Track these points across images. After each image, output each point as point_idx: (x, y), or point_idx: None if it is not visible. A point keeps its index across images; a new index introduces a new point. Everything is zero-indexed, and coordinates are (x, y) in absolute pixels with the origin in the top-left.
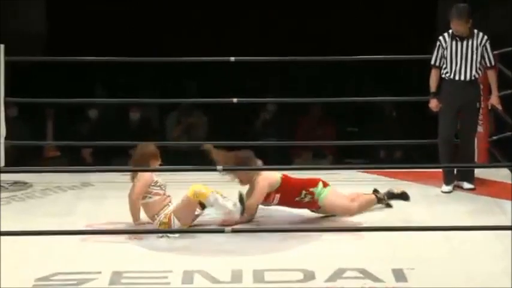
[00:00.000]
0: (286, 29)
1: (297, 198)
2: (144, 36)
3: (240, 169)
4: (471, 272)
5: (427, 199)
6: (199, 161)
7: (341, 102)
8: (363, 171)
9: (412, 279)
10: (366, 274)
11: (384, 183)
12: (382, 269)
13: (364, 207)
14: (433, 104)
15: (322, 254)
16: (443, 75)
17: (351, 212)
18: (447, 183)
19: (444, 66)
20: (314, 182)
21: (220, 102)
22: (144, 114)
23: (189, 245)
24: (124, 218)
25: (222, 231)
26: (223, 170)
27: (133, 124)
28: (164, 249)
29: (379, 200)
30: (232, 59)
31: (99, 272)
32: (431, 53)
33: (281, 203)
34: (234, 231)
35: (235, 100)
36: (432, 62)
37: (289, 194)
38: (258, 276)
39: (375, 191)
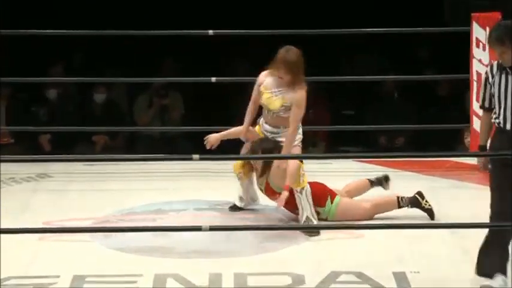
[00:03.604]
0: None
1: (297, 211)
2: (112, 7)
3: (218, 159)
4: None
5: (435, 192)
6: (173, 148)
7: (335, 81)
8: (360, 161)
9: (416, 284)
10: (363, 278)
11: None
12: (382, 272)
13: (381, 207)
14: (480, 162)
15: (314, 255)
16: (492, 120)
17: (368, 217)
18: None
19: (495, 109)
20: (323, 199)
21: (198, 82)
22: (111, 95)
23: (161, 245)
24: (87, 214)
25: (199, 229)
26: (200, 159)
27: (98, 107)
28: (133, 250)
29: (400, 206)
30: (211, 32)
31: (58, 276)
32: (441, 26)
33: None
34: (213, 229)
35: (213, 79)
36: (480, 103)
37: (293, 203)
38: (240, 281)
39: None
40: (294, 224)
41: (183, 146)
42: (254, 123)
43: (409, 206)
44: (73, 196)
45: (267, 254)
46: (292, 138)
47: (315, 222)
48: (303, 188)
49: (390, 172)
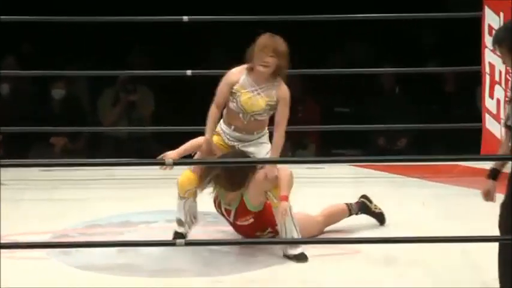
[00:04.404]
0: None
1: (258, 233)
2: None
3: (195, 163)
4: None
5: (441, 200)
6: (143, 151)
7: (327, 74)
8: (356, 165)
9: None
10: None
11: (385, 180)
12: None
13: (333, 218)
14: (485, 189)
15: (302, 274)
16: None
17: (321, 231)
18: None
19: None
20: None
21: (171, 75)
22: (71, 90)
23: (129, 262)
24: (44, 227)
25: (173, 244)
26: (174, 164)
27: (57, 104)
28: (97, 268)
29: (351, 214)
30: (186, 18)
31: None
32: (448, 10)
33: (239, 228)
34: (189, 243)
35: (189, 72)
36: (503, 120)
37: (257, 224)
38: None
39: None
40: (283, 238)
41: (154, 149)
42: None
43: (359, 212)
44: (28, 206)
45: (249, 272)
46: (282, 142)
47: (301, 247)
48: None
49: (391, 178)
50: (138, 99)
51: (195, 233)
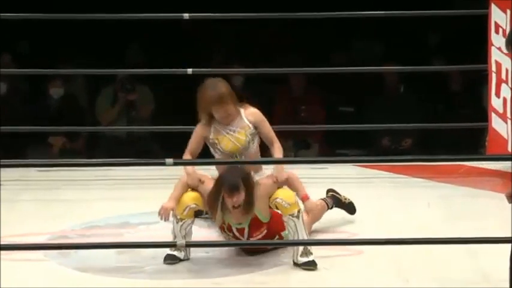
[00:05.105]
0: None
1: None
2: None
3: (196, 163)
4: None
5: (447, 200)
6: (142, 151)
7: (331, 72)
8: (360, 166)
9: None
10: None
11: (389, 180)
12: None
13: (318, 215)
14: (508, 191)
15: (303, 276)
16: None
17: (309, 230)
18: None
19: None
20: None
21: (171, 74)
22: (70, 89)
23: (129, 264)
24: (42, 228)
25: (174, 245)
26: (174, 164)
27: (55, 103)
28: (96, 270)
29: (329, 208)
30: (187, 15)
31: None
32: (454, 8)
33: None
34: (189, 245)
35: (190, 71)
36: None
37: (269, 234)
38: None
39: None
40: (288, 240)
41: (154, 149)
42: None
43: (333, 206)
44: (25, 207)
45: (249, 274)
46: (282, 154)
47: (313, 254)
48: (299, 211)
49: (395, 178)
50: (137, 99)
51: (196, 234)
